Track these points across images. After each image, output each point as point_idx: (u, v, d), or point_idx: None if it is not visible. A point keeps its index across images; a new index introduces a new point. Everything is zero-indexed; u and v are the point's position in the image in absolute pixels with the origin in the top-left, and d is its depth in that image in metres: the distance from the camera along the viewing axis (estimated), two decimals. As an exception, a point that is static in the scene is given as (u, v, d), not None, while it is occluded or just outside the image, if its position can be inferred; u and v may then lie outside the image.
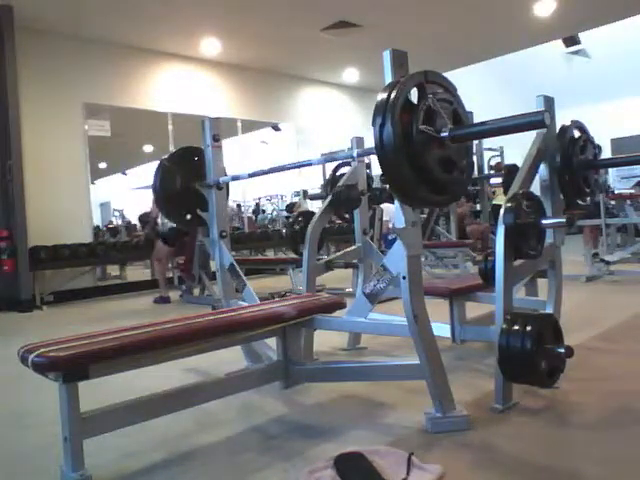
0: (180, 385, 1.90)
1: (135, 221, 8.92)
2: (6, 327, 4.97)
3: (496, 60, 9.70)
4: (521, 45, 8.87)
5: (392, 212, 6.54)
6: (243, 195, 9.00)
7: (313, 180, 8.74)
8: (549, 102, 2.24)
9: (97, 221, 7.74)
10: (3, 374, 3.02)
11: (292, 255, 4.52)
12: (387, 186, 3.32)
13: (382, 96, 1.50)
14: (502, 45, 8.58)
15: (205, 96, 7.91)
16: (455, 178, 1.61)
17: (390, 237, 5.46)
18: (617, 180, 11.59)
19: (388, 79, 1.67)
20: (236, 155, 7.96)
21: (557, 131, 2.27)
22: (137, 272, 7.43)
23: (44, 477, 1.68)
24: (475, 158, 6.00)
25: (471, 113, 4.19)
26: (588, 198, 2.42)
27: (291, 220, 3.64)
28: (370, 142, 1.64)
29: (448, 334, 2.79)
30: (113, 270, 7.37)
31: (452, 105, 1.61)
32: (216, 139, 2.65)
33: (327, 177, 5.19)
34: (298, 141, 9.09)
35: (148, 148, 8.82)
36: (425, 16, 6.90)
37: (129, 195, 8.81)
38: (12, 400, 2.59)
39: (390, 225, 5.59)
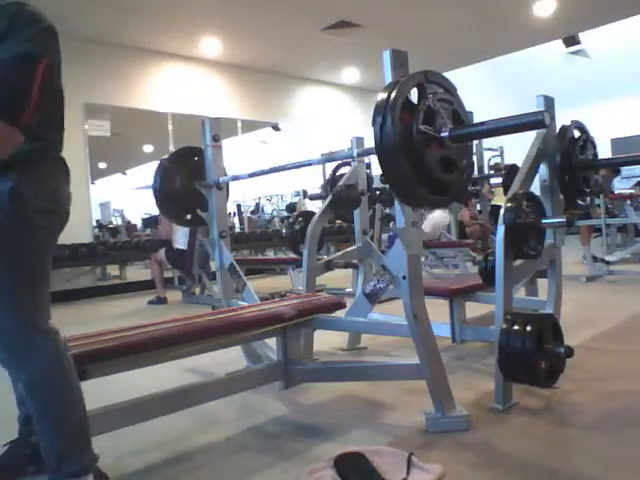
0: (180, 385, 1.90)
1: (135, 221, 8.92)
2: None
3: (496, 60, 9.69)
4: (521, 45, 8.86)
5: (437, 222, 6.48)
6: (243, 195, 8.99)
7: (313, 180, 8.73)
8: (549, 102, 2.24)
9: (99, 219, 7.75)
10: (3, 374, 3.01)
11: (292, 255, 4.52)
12: (387, 186, 3.32)
13: (382, 96, 1.50)
14: (502, 45, 8.58)
15: (205, 96, 7.90)
16: (455, 178, 1.61)
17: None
18: (617, 180, 11.56)
19: (388, 79, 1.67)
20: (236, 155, 7.95)
21: (557, 131, 2.27)
22: (137, 272, 7.42)
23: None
24: (475, 158, 5.99)
25: (471, 113, 4.17)
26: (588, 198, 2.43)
27: (291, 220, 3.63)
28: (370, 142, 1.64)
29: (448, 334, 2.80)
30: (113, 270, 7.36)
31: (452, 105, 1.61)
32: (216, 139, 2.65)
33: (327, 177, 5.19)
34: (298, 141, 9.08)
35: (148, 148, 8.81)
36: (425, 16, 6.90)
37: (129, 195, 8.81)
38: (12, 400, 2.58)
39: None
